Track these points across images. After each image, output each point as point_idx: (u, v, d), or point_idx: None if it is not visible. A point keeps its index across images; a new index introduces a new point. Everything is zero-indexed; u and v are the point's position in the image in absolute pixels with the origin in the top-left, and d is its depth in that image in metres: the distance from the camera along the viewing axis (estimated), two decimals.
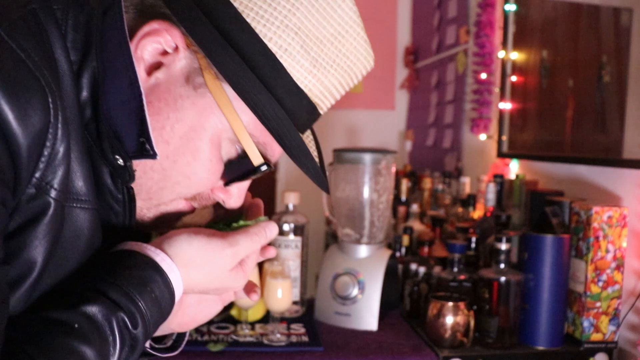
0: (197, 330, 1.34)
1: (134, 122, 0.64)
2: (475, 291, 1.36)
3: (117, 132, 0.64)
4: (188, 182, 0.68)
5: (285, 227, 1.47)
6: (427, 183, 2.36)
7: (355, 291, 1.43)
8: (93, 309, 0.57)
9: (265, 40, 0.64)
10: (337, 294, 1.45)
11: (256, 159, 0.68)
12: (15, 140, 0.52)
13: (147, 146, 0.64)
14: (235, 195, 0.72)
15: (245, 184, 0.73)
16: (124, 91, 0.63)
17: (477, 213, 1.95)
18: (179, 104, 0.65)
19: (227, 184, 0.71)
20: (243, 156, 0.69)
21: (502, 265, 1.33)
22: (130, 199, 0.68)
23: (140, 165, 0.67)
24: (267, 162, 0.69)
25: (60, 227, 0.60)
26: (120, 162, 0.65)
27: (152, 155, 0.65)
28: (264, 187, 3.43)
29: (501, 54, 2.16)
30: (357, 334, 1.39)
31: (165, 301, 0.63)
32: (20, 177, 0.54)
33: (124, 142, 0.64)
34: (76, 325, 0.55)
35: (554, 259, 1.31)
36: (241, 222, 0.74)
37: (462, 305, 1.30)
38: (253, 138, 0.67)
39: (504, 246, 1.34)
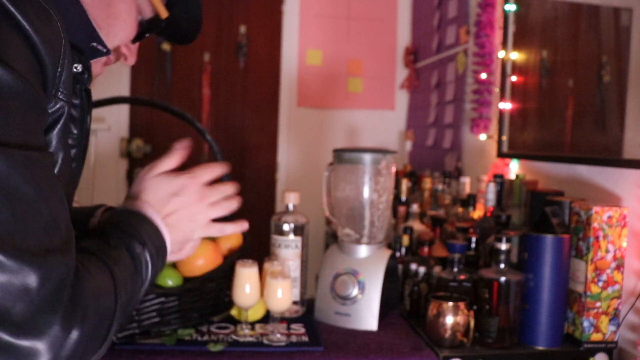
0: (197, 330, 1.34)
1: (81, 30, 0.75)
2: (475, 291, 1.36)
3: (72, 42, 0.72)
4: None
5: (285, 227, 1.47)
6: (427, 183, 2.36)
7: (355, 291, 1.43)
8: (133, 248, 0.81)
9: None
10: (337, 294, 1.45)
11: (164, 13, 0.84)
12: (45, 65, 0.64)
13: (100, 47, 0.77)
14: (134, 51, 0.86)
15: (137, 43, 0.87)
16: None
17: (477, 213, 1.95)
18: None
19: (134, 41, 0.85)
20: (149, 16, 0.85)
21: (502, 265, 1.33)
22: (88, 99, 0.79)
23: None
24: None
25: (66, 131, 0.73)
26: (79, 68, 0.76)
27: (107, 52, 0.79)
28: (264, 187, 3.42)
29: (501, 54, 2.16)
30: (357, 334, 1.39)
31: (159, 242, 0.85)
32: (47, 91, 0.66)
33: (79, 50, 0.76)
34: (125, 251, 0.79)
35: (554, 259, 1.31)
36: None
37: (462, 305, 1.30)
38: None
39: (504, 246, 1.34)
